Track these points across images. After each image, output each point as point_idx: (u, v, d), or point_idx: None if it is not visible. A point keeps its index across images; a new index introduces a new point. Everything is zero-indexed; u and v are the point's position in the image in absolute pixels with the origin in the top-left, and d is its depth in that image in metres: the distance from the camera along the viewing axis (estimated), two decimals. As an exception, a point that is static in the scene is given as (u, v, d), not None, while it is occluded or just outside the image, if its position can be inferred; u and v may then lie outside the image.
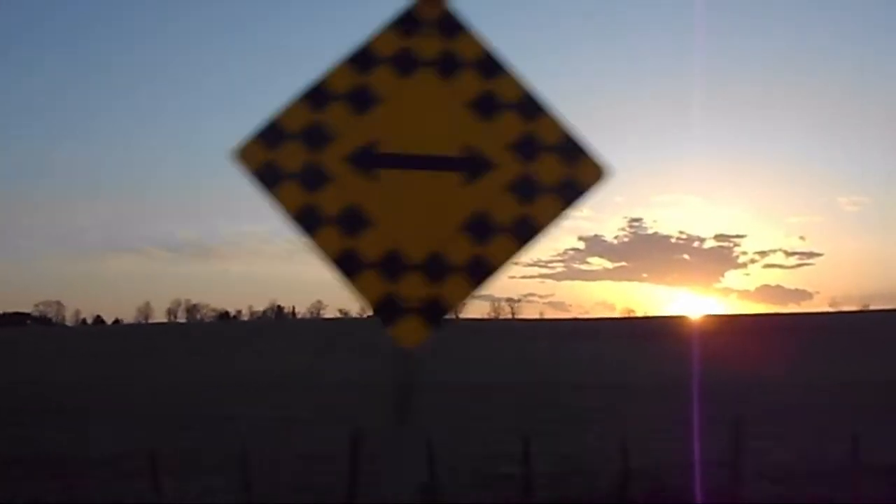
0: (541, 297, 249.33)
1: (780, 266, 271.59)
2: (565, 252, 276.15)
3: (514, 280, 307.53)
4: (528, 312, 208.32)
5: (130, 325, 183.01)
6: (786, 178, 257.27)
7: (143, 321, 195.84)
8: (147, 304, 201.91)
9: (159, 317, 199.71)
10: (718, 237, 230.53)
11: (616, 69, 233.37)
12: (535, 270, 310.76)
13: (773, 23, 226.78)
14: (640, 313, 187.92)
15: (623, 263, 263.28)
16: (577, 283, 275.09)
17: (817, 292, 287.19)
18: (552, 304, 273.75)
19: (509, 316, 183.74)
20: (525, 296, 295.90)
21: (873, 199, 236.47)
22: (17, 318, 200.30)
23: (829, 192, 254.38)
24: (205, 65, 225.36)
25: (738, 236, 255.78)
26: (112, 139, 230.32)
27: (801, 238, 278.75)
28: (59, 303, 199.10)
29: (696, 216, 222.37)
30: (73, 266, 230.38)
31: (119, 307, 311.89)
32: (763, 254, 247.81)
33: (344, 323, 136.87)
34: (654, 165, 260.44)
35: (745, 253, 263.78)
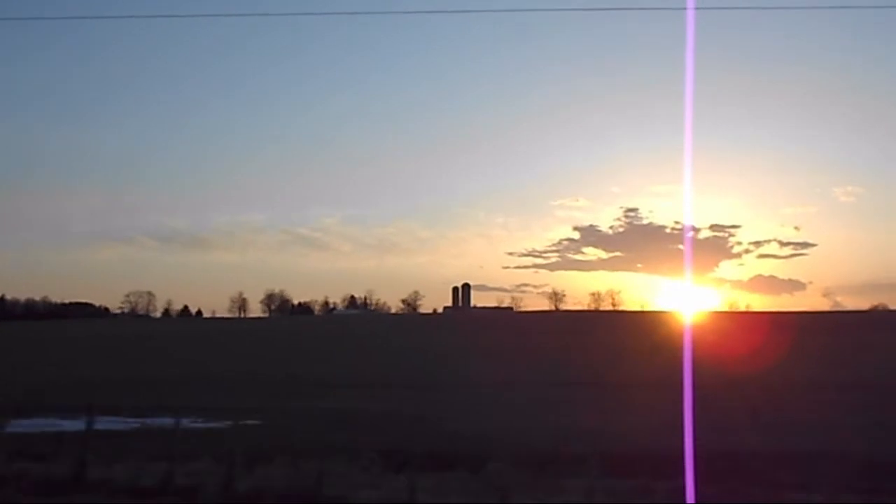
0: (535, 287, 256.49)
1: (775, 256, 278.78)
2: (560, 242, 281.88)
3: (509, 270, 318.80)
4: (526, 304, 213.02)
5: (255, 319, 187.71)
6: (781, 168, 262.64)
7: (241, 314, 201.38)
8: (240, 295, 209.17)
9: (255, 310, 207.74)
10: (714, 227, 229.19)
11: (611, 60, 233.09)
12: (530, 261, 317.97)
13: (768, 13, 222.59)
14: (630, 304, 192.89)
15: (618, 253, 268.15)
16: (572, 274, 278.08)
17: (811, 282, 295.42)
18: (545, 295, 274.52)
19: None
20: (518, 286, 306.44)
21: (868, 189, 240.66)
22: (81, 309, 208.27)
23: (825, 182, 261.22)
24: (198, 54, 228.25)
25: (733, 226, 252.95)
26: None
27: (796, 228, 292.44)
28: (150, 293, 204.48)
29: (691, 206, 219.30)
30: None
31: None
32: (758, 244, 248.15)
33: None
34: (649, 156, 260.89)
35: (739, 243, 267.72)
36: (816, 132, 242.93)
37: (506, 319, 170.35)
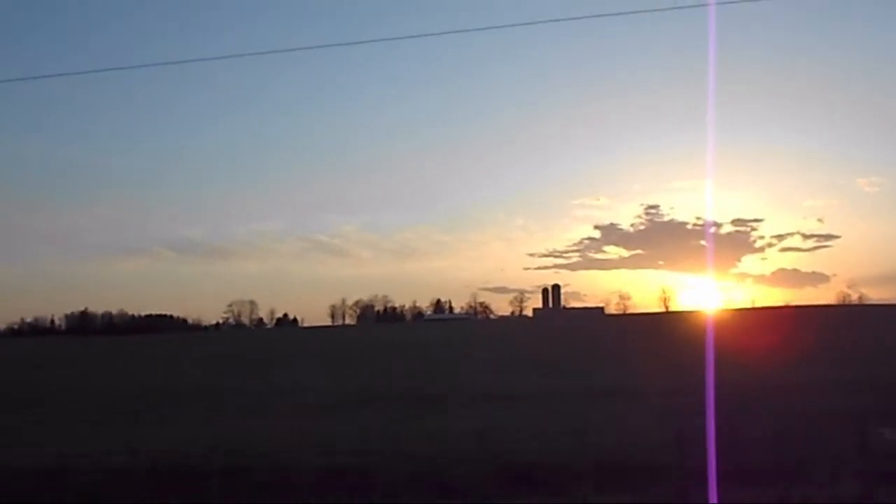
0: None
1: (798, 249, 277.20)
2: (581, 241, 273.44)
3: (530, 272, 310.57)
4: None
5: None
6: (804, 160, 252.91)
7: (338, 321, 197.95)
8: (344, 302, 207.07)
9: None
10: (735, 222, 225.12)
11: (628, 58, 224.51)
12: (551, 261, 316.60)
13: (788, 6, 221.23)
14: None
15: (639, 251, 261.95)
16: (592, 273, 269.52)
17: (834, 275, 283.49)
18: (567, 295, 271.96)
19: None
20: (540, 286, 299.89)
21: (892, 179, 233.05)
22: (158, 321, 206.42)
23: (848, 173, 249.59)
24: (213, 64, 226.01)
25: (755, 220, 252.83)
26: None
27: (819, 220, 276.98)
28: (252, 302, 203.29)
29: (713, 201, 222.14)
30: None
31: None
32: (780, 237, 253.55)
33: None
34: (669, 152, 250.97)
35: (762, 237, 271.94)
36: (838, 123, 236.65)
37: (614, 322, 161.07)
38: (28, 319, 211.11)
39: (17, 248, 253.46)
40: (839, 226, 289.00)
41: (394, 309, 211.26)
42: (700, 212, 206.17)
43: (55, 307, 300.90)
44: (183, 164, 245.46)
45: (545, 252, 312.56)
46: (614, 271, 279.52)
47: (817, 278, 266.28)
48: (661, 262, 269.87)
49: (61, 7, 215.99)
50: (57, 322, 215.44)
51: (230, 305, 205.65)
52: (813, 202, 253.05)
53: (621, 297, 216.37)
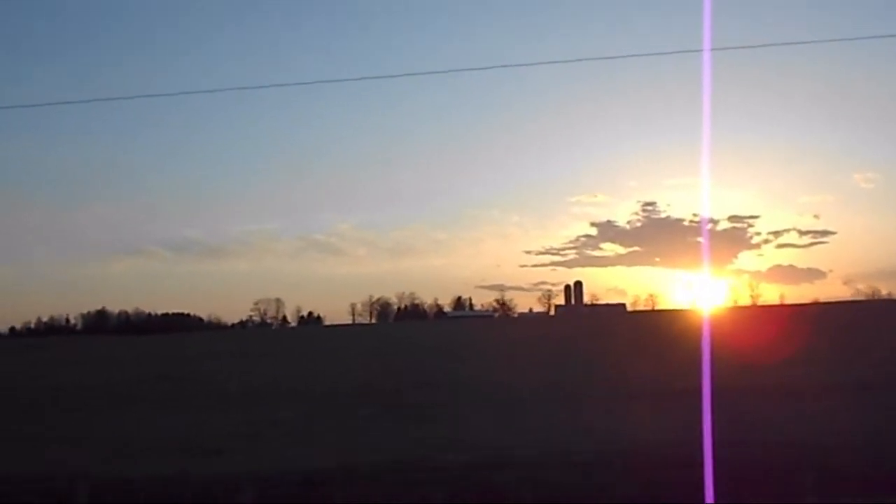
0: (553, 285, 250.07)
1: (794, 245, 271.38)
2: (577, 239, 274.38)
3: (526, 269, 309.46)
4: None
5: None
6: (800, 157, 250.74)
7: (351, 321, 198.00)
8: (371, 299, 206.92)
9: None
10: (732, 218, 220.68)
11: (626, 54, 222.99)
12: (548, 258, 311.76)
13: (785, 2, 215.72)
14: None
15: (636, 248, 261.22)
16: (589, 270, 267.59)
17: (830, 271, 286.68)
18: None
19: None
20: (536, 284, 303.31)
21: (888, 175, 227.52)
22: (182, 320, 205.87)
23: (844, 169, 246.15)
24: (210, 63, 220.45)
25: (751, 217, 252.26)
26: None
27: (815, 217, 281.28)
28: (278, 300, 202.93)
29: (709, 198, 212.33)
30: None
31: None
32: (777, 234, 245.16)
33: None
34: (666, 149, 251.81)
35: (758, 233, 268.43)
36: (834, 119, 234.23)
37: (642, 319, 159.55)
38: (44, 319, 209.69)
39: (10, 247, 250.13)
40: (835, 222, 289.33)
41: (416, 306, 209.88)
42: (697, 209, 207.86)
43: (51, 307, 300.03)
44: (179, 163, 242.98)
45: (541, 249, 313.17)
46: (611, 268, 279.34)
47: (813, 274, 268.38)
48: (657, 259, 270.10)
49: (60, 6, 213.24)
50: (72, 321, 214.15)
51: (256, 304, 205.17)
52: (809, 198, 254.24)
53: (651, 294, 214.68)
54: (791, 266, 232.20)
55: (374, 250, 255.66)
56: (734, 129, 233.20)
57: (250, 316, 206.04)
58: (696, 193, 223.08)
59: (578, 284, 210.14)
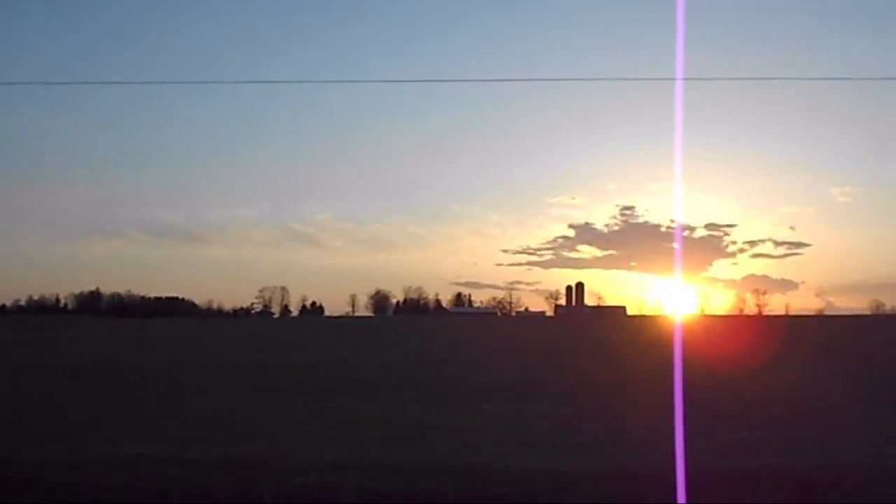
0: (527, 284, 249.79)
1: (769, 256, 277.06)
2: (555, 240, 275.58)
3: (503, 268, 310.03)
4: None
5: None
6: (779, 168, 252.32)
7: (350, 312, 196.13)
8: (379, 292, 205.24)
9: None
10: (709, 226, 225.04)
11: (607, 58, 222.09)
12: (524, 258, 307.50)
13: (764, 13, 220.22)
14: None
15: (612, 252, 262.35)
16: (565, 272, 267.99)
17: (803, 282, 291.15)
18: (538, 292, 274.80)
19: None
20: (511, 283, 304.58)
21: (865, 189, 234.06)
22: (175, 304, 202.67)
23: (822, 182, 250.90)
24: (192, 49, 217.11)
25: (728, 226, 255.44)
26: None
27: (791, 228, 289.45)
28: (283, 289, 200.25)
29: (688, 205, 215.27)
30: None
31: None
32: (752, 243, 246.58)
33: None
34: (646, 153, 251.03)
35: (734, 242, 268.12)
36: (816, 132, 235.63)
37: (644, 323, 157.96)
38: (35, 297, 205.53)
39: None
40: (810, 234, 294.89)
41: (416, 300, 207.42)
42: (675, 215, 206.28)
43: (30, 287, 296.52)
44: (159, 146, 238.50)
45: (518, 249, 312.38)
46: (587, 270, 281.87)
47: (786, 285, 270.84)
48: (633, 264, 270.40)
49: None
50: (62, 301, 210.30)
51: (261, 291, 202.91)
52: (787, 209, 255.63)
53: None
54: (765, 276, 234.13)
55: (351, 242, 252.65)
56: (715, 138, 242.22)
57: (252, 304, 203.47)
58: (674, 200, 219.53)
59: (580, 286, 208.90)
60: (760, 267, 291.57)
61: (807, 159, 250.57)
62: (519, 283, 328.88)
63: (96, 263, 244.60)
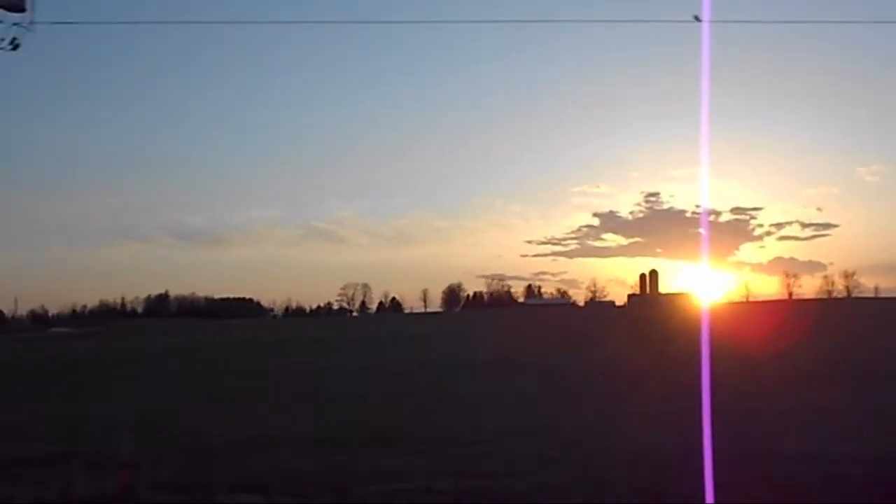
0: (553, 275, 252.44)
1: (796, 238, 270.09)
2: (579, 229, 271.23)
3: (527, 259, 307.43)
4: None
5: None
6: (805, 149, 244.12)
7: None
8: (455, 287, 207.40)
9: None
10: (735, 210, 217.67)
11: (627, 44, 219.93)
12: (549, 248, 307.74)
13: None
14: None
15: (637, 239, 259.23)
16: (591, 261, 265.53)
17: (831, 263, 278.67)
18: (564, 283, 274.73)
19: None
20: (537, 274, 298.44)
21: (893, 168, 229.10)
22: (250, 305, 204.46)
23: (849, 162, 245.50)
24: (212, 53, 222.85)
25: (755, 209, 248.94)
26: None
27: (819, 209, 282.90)
28: (366, 285, 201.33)
29: (713, 190, 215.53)
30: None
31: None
32: (779, 226, 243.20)
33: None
34: (670, 139, 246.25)
35: (760, 225, 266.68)
36: (839, 112, 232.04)
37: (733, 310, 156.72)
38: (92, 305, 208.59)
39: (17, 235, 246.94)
40: (838, 215, 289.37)
41: (490, 294, 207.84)
42: (700, 200, 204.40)
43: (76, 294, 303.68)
44: (183, 151, 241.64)
45: (543, 239, 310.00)
46: (612, 259, 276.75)
47: (814, 267, 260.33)
48: (659, 250, 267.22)
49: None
50: (129, 306, 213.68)
51: (343, 288, 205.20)
52: (812, 191, 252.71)
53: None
54: (792, 258, 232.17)
55: (374, 238, 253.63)
56: (738, 122, 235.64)
57: (329, 302, 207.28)
58: (699, 185, 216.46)
59: (654, 273, 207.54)
60: (788, 249, 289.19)
61: (832, 139, 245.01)
62: (544, 273, 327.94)
63: (124, 268, 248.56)
